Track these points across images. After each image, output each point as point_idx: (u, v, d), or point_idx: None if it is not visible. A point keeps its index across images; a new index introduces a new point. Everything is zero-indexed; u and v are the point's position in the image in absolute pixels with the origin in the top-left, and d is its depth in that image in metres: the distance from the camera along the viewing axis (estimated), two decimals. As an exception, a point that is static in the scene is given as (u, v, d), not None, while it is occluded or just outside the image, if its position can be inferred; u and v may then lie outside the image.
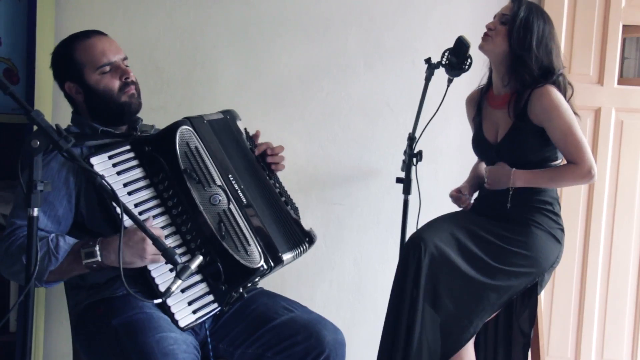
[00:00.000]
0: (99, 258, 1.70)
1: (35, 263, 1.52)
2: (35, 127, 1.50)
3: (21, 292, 1.53)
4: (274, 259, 1.87)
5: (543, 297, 3.00)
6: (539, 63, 2.20)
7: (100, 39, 1.95)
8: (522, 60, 2.20)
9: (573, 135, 2.17)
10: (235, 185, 1.91)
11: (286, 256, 1.92)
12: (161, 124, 2.08)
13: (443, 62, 2.36)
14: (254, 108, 2.81)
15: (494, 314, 2.20)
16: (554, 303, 3.05)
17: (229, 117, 2.10)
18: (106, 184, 1.54)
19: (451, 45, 2.35)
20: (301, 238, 2.00)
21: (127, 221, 1.73)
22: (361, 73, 2.87)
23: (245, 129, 2.12)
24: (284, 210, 2.03)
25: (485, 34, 2.26)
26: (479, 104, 2.39)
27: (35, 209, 1.50)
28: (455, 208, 2.45)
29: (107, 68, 1.92)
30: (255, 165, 2.06)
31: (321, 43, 2.84)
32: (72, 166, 1.84)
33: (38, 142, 1.48)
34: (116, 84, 1.93)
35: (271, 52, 2.82)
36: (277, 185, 2.08)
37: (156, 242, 1.56)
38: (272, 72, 2.83)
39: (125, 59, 1.98)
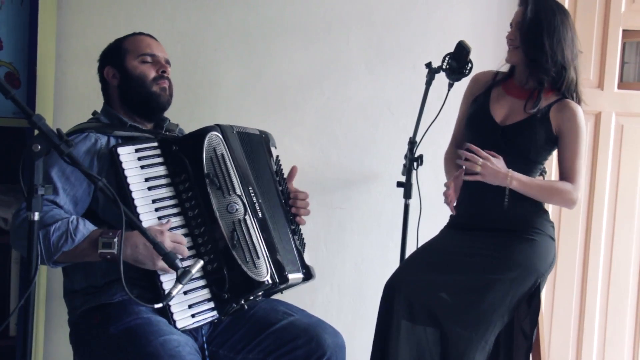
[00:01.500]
0: (114, 250, 1.70)
1: (36, 267, 1.51)
2: (36, 132, 1.50)
3: (21, 296, 1.53)
4: (280, 277, 1.88)
5: (544, 301, 3.00)
6: (554, 60, 2.19)
7: (151, 39, 2.08)
8: (537, 63, 2.20)
9: (582, 160, 2.21)
10: (254, 198, 1.93)
11: (292, 276, 1.93)
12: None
13: (444, 67, 2.36)
14: (255, 111, 2.82)
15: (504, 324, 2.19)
16: (555, 307, 3.05)
17: (263, 137, 2.15)
18: (107, 188, 1.53)
19: (452, 49, 2.35)
20: (299, 268, 2.02)
21: (148, 221, 1.79)
22: (362, 77, 2.87)
23: (277, 156, 2.17)
24: (293, 237, 2.06)
25: (511, 47, 2.26)
26: (489, 87, 2.37)
27: (37, 213, 1.50)
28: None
29: (148, 59, 2.02)
30: (275, 188, 2.09)
31: (322, 47, 2.85)
32: (98, 151, 1.88)
33: (39, 147, 1.48)
34: (152, 73, 2.01)
35: (272, 55, 2.82)
36: (292, 215, 2.11)
37: (156, 246, 1.57)
38: (273, 76, 2.83)
39: (167, 63, 2.07)
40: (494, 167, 2.16)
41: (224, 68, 2.80)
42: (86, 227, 1.75)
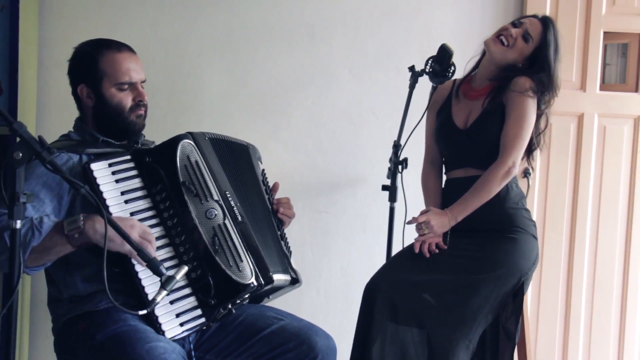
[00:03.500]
0: (81, 224, 1.65)
1: (19, 275, 1.50)
2: (18, 139, 1.49)
3: (4, 304, 1.51)
4: (265, 277, 1.88)
5: (530, 302, 3.02)
6: (551, 79, 2.23)
7: (130, 57, 1.97)
8: (532, 72, 2.22)
9: (521, 129, 2.18)
10: (232, 202, 1.93)
11: (277, 277, 1.93)
12: (147, 134, 2.08)
13: (427, 70, 2.36)
14: (240, 117, 2.82)
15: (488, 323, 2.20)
16: (541, 308, 3.06)
17: (248, 146, 2.16)
18: (90, 195, 1.53)
19: (435, 52, 2.36)
20: (287, 270, 2.03)
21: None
22: (346, 81, 2.88)
23: (263, 169, 2.18)
24: (278, 241, 2.07)
25: (500, 39, 2.25)
26: (449, 95, 2.39)
27: (18, 222, 1.49)
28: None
29: (126, 86, 1.94)
30: (258, 194, 2.09)
31: (306, 51, 2.85)
32: (71, 169, 1.84)
33: (21, 154, 1.47)
34: (129, 102, 1.95)
35: (256, 60, 2.82)
36: (277, 222, 2.12)
37: (141, 252, 1.56)
38: (257, 81, 2.83)
39: (144, 81, 2.00)
40: (435, 220, 2.21)
41: (208, 74, 2.80)
42: (51, 220, 1.70)
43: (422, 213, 2.25)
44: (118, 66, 1.93)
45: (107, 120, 1.96)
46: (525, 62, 2.27)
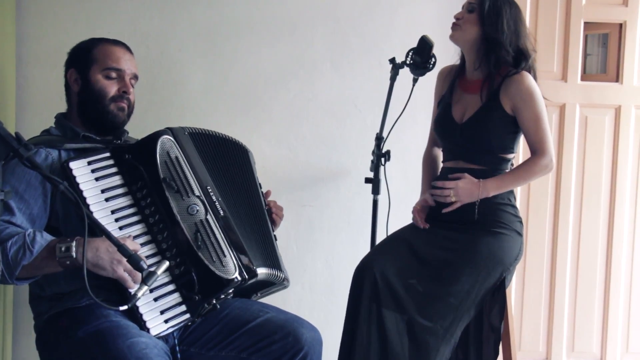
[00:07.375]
0: (73, 254, 1.66)
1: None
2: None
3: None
4: (249, 272, 1.88)
5: (514, 293, 3.04)
6: (512, 45, 2.22)
7: (124, 52, 2.01)
8: (495, 43, 2.21)
9: (543, 123, 2.19)
10: (214, 197, 1.92)
11: (260, 270, 1.93)
12: (127, 130, 2.07)
13: (407, 62, 2.36)
14: (221, 111, 2.81)
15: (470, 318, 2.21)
16: (525, 299, 3.09)
17: (248, 150, 2.16)
18: (69, 191, 1.52)
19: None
20: (278, 265, 2.03)
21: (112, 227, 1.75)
22: (328, 74, 2.88)
23: (256, 177, 2.17)
24: (271, 239, 2.06)
25: (454, 24, 2.28)
26: (452, 83, 2.38)
27: (-5, 219, 1.48)
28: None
29: (113, 74, 1.96)
30: (254, 191, 2.09)
31: (287, 45, 2.85)
32: (50, 166, 1.84)
33: (-4, 151, 1.46)
34: (112, 91, 1.96)
35: (237, 55, 2.81)
36: (270, 221, 2.13)
37: (121, 248, 1.55)
38: (239, 75, 2.82)
39: (134, 77, 2.02)
40: (465, 188, 2.21)
41: (188, 68, 2.79)
42: (44, 238, 1.71)
43: (454, 178, 2.25)
44: (110, 54, 1.97)
45: (88, 107, 1.96)
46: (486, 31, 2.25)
